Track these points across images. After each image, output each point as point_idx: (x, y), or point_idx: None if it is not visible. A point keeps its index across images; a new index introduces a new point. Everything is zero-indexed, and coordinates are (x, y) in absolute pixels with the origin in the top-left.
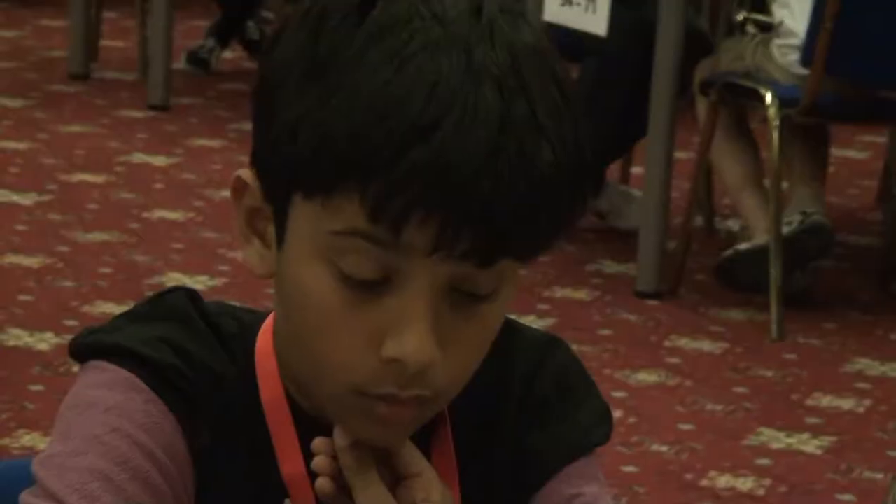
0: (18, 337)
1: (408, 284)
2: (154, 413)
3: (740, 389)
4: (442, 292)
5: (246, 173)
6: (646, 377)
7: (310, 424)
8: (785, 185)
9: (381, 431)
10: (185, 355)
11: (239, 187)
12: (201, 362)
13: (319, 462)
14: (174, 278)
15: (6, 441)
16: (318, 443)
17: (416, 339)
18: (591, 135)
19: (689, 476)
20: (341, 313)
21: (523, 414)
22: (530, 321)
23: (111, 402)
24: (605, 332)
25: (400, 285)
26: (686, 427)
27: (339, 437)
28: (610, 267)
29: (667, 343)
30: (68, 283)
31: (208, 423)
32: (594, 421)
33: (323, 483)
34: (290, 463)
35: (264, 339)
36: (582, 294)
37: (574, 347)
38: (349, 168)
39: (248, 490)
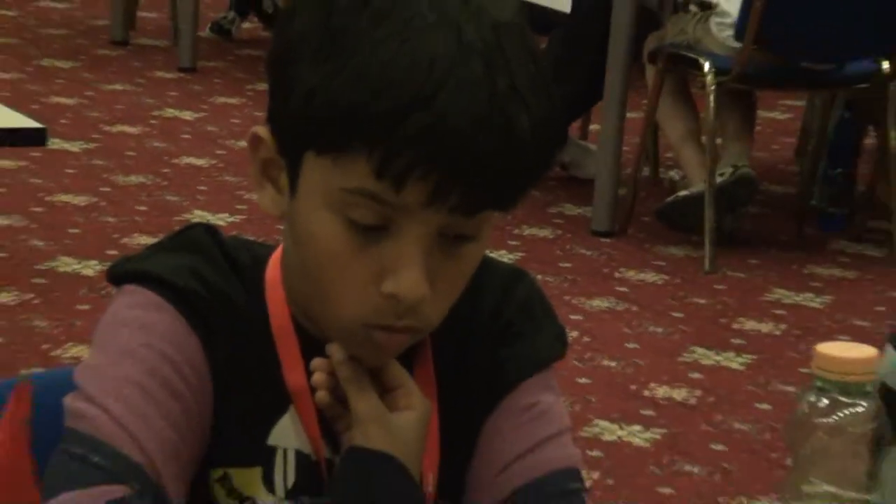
0: (68, 264)
1: (405, 232)
2: (179, 331)
3: (677, 314)
4: (433, 238)
5: (261, 129)
6: (599, 303)
7: (311, 342)
8: (719, 141)
9: (376, 355)
10: (204, 282)
11: (254, 141)
12: (218, 288)
13: (318, 378)
14: (199, 215)
15: (58, 352)
16: (316, 363)
17: (412, 278)
18: (560, 100)
19: (633, 387)
20: (347, 255)
21: (492, 336)
22: (501, 255)
23: (143, 320)
24: (565, 264)
25: (398, 232)
26: (632, 346)
27: (337, 353)
28: (570, 210)
29: (617, 275)
30: (110, 219)
31: (224, 340)
32: (552, 341)
33: (321, 396)
34: (294, 376)
35: (273, 269)
36: (546, 232)
37: (538, 278)
38: (358, 132)
39: (258, 399)
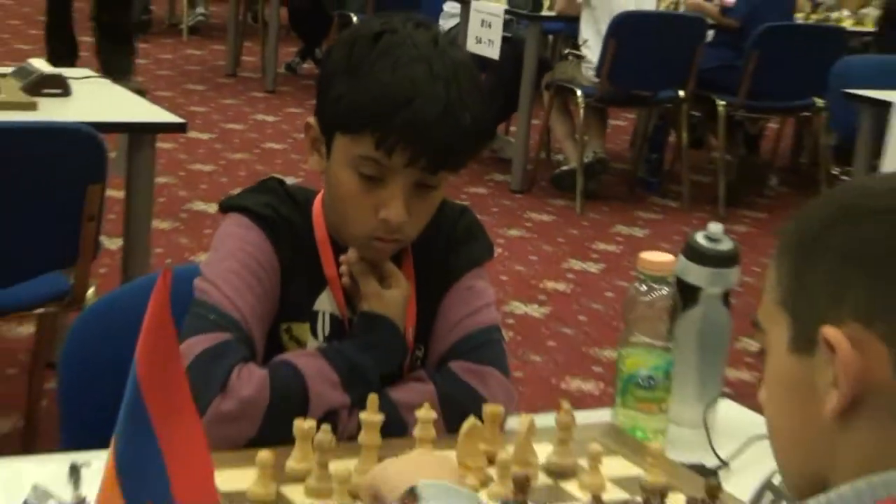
0: (200, 206)
1: (393, 182)
2: (261, 241)
3: (560, 240)
4: (410, 186)
5: (311, 120)
6: (513, 233)
7: (339, 249)
8: (585, 137)
9: (377, 255)
10: (276, 211)
11: (307, 127)
12: (285, 216)
13: (343, 269)
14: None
15: (193, 258)
16: (342, 260)
17: (397, 210)
18: (491, 110)
19: (532, 281)
20: (358, 195)
21: (447, 246)
22: None
23: (240, 234)
24: (494, 209)
25: (389, 182)
26: (532, 258)
27: (352, 254)
28: (498, 177)
29: (525, 216)
30: (224, 179)
31: (287, 246)
32: (484, 249)
33: (345, 280)
34: (329, 269)
35: (317, 204)
36: (482, 190)
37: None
38: (366, 123)
39: (308, 282)
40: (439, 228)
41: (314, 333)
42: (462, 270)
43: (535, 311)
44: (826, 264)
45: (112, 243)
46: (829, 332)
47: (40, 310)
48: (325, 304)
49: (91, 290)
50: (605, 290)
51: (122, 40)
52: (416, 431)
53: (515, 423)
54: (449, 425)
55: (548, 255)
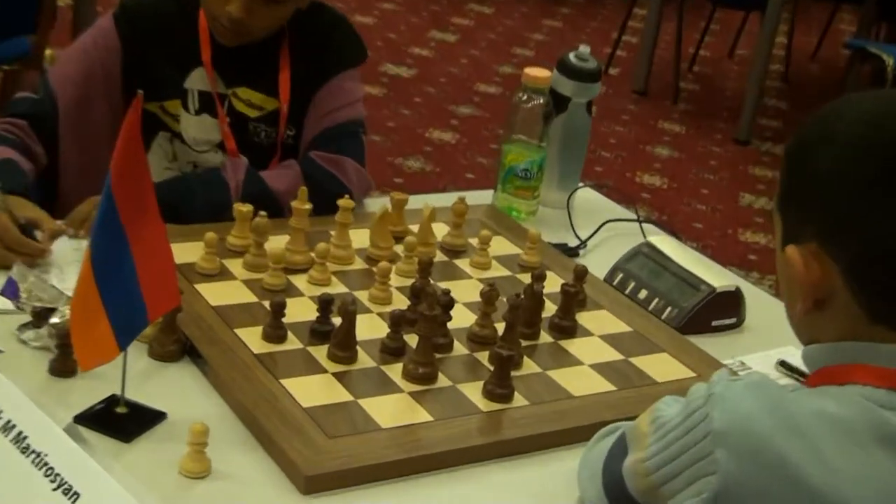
0: None
1: None
2: (108, 28)
3: (424, 13)
4: None
5: None
6: (387, 6)
7: (212, 39)
8: None
9: (222, 37)
10: (149, 9)
11: None
12: (160, 13)
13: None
14: None
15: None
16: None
17: (236, 8)
18: None
19: (402, 48)
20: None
21: (323, 46)
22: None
23: (99, 23)
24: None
25: None
26: (402, 27)
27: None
28: None
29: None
30: None
31: (148, 36)
32: (359, 53)
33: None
34: (205, 53)
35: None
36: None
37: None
38: None
39: (179, 66)
40: (316, 28)
41: (185, 107)
42: (338, 69)
43: (404, 72)
44: (801, 185)
45: (63, 2)
46: (790, 250)
47: (5, 67)
48: (196, 82)
49: (49, 52)
50: (461, 57)
51: None
52: (292, 222)
53: (375, 205)
54: (316, 207)
55: (414, 25)
